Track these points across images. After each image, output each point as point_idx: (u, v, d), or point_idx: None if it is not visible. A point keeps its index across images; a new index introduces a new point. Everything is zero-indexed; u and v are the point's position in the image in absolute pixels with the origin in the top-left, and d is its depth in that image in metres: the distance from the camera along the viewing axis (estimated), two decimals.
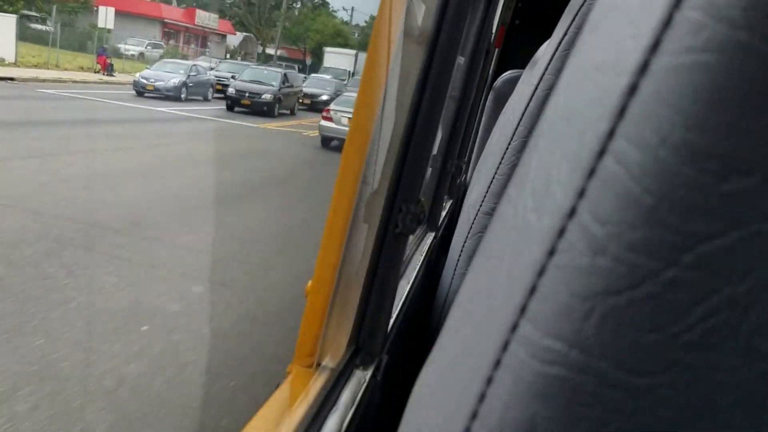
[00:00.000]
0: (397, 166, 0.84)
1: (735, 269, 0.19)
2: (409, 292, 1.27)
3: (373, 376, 0.86)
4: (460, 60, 1.85)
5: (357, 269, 0.85)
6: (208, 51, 41.31)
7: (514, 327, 0.23)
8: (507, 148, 0.98)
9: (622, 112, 0.20)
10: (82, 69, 23.18)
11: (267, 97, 18.23)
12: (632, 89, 0.20)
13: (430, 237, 1.90)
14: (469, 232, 1.10)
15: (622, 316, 0.20)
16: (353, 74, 36.16)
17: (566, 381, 0.21)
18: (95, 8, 26.51)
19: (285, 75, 19.81)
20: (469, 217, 1.11)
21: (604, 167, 0.21)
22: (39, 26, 28.72)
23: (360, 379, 0.85)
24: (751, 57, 0.17)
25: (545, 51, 0.98)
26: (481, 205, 1.06)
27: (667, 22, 0.19)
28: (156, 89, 18.44)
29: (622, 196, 0.20)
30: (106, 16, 24.33)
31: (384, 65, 0.84)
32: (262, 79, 19.12)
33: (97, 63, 23.87)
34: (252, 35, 46.15)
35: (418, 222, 0.86)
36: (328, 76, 26.82)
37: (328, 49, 41.36)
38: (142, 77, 18.85)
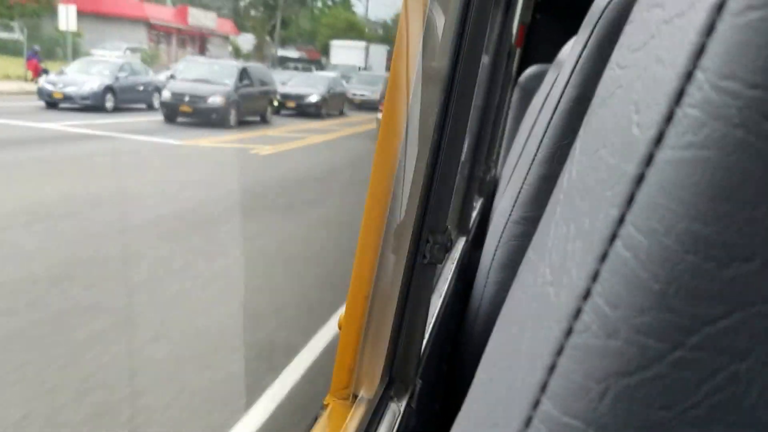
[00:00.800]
0: (422, 197, 0.84)
1: (738, 348, 0.20)
2: (442, 304, 1.27)
3: (408, 404, 0.87)
4: (484, 59, 1.84)
5: (387, 300, 0.86)
6: (209, 54, 36.21)
7: (536, 404, 0.25)
8: (534, 159, 0.99)
9: (630, 200, 0.21)
10: (8, 77, 19.07)
11: (215, 100, 13.47)
12: (639, 179, 0.21)
13: (461, 242, 1.91)
14: (500, 241, 1.10)
15: (635, 395, 0.22)
16: (363, 69, 32.19)
17: None
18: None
19: (244, 70, 15.16)
20: (500, 225, 1.12)
21: (614, 252, 0.22)
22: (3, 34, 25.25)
23: (395, 411, 0.86)
24: (747, 153, 0.19)
25: (568, 56, 0.98)
26: (510, 214, 1.07)
27: (669, 117, 0.20)
28: (67, 97, 13.57)
29: (631, 282, 0.21)
30: (66, 17, 20.01)
31: (404, 93, 0.84)
32: (209, 77, 14.45)
33: (28, 69, 19.54)
34: (268, 38, 42.97)
35: (446, 251, 0.87)
36: (329, 73, 23.94)
37: (334, 42, 36.68)
38: (47, 83, 13.97)
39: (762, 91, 0.18)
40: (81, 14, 25.91)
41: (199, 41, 37.79)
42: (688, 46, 0.20)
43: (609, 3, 0.81)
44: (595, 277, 0.23)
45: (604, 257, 0.22)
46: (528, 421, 0.25)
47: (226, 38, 40.33)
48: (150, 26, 33.21)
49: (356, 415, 0.83)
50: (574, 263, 0.24)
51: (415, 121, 0.85)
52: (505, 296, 1.16)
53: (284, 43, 45.80)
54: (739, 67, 0.19)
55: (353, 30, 44.40)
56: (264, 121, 15.88)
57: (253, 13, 44.07)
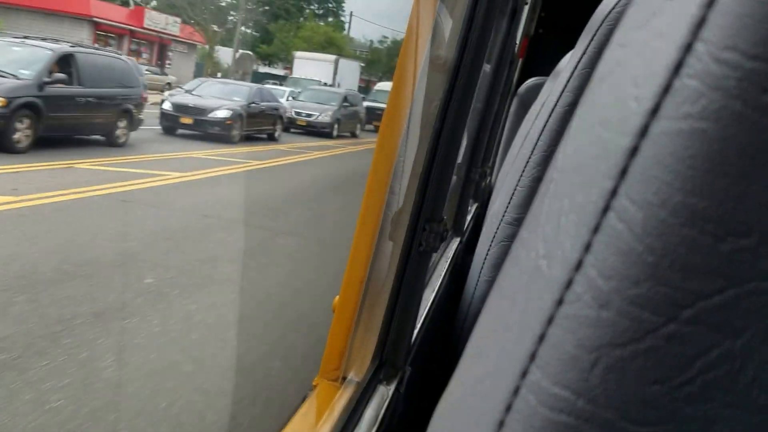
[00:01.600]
0: (420, 187, 0.87)
1: (733, 325, 0.20)
2: (434, 300, 1.28)
3: (397, 389, 0.89)
4: (486, 68, 1.89)
5: (382, 286, 0.87)
6: (170, 65, 31.81)
7: (524, 373, 0.24)
8: (528, 161, 1.01)
9: (624, 172, 0.21)
10: None
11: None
12: (633, 151, 0.21)
13: (455, 242, 1.92)
14: (492, 241, 1.12)
15: (626, 367, 0.21)
16: (329, 85, 28.03)
17: (573, 429, 0.22)
18: None
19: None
20: (493, 226, 1.13)
21: (608, 224, 0.22)
22: None
23: (383, 394, 0.87)
24: (745, 126, 0.19)
25: (567, 64, 1.00)
26: (503, 215, 1.09)
27: (666, 88, 0.20)
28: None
29: (625, 253, 0.21)
30: None
31: (410, 86, 0.87)
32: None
33: None
34: (250, 52, 38.83)
35: (441, 239, 0.89)
36: (285, 88, 21.65)
37: (298, 54, 32.14)
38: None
39: (761, 63, 0.18)
40: (25, 10, 23.46)
41: (159, 48, 32.87)
42: (689, 18, 0.20)
43: (610, 12, 0.83)
44: (587, 248, 0.22)
45: (597, 229, 0.22)
46: (516, 390, 0.25)
47: (192, 46, 35.49)
48: (95, 25, 28.46)
49: (344, 395, 0.84)
50: (568, 236, 0.24)
51: (417, 114, 0.88)
52: None
53: (269, 59, 43.08)
54: (740, 38, 0.18)
55: (332, 46, 40.21)
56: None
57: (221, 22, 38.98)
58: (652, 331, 0.21)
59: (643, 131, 0.21)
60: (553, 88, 1.04)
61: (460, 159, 1.19)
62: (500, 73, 2.21)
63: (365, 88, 36.57)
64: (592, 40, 0.86)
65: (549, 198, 0.28)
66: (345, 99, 19.75)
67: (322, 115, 18.11)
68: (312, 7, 49.25)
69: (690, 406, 0.21)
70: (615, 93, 0.24)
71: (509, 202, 1.05)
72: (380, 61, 45.03)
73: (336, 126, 18.57)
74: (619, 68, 0.24)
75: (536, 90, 2.28)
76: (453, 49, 0.87)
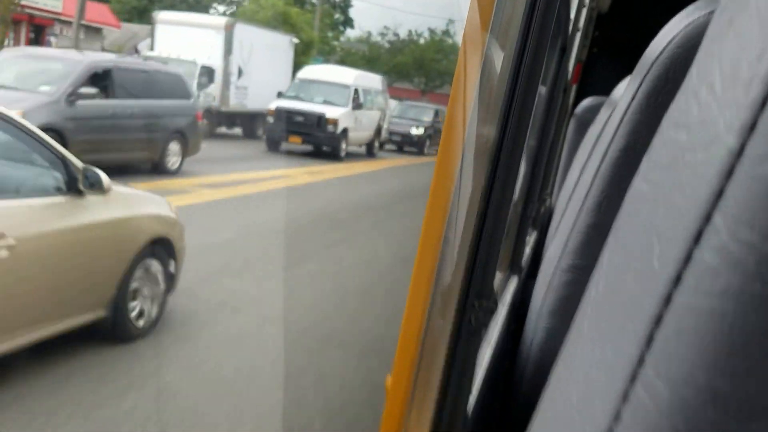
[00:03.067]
0: (468, 263, 0.86)
1: None
2: (492, 355, 1.25)
3: None
4: (540, 97, 1.89)
5: (434, 364, 0.87)
6: (51, 46, 20.23)
7: None
8: (582, 206, 1.01)
9: (648, 341, 0.21)
10: None
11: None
12: (657, 320, 0.21)
13: (514, 281, 1.88)
14: (548, 287, 1.11)
15: None
16: (231, 74, 17.31)
17: None
18: None
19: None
20: (549, 272, 1.12)
21: (635, 394, 0.21)
22: None
23: None
24: (764, 307, 0.18)
25: (621, 98, 0.99)
26: (559, 262, 1.08)
27: (687, 258, 0.20)
28: None
29: (652, 429, 0.20)
30: None
31: (461, 133, 0.85)
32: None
33: None
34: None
35: (492, 314, 0.89)
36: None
37: (161, 15, 18.34)
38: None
39: None
40: None
41: (27, 28, 21.32)
42: (708, 187, 0.20)
43: (661, 53, 0.82)
44: (616, 417, 0.22)
45: (625, 397, 0.22)
46: None
47: (98, 31, 23.63)
48: None
49: None
50: (598, 397, 0.24)
51: (468, 173, 0.87)
52: (554, 345, 1.16)
53: None
54: (757, 217, 0.18)
55: (287, 23, 28.32)
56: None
57: None
58: None
59: (667, 300, 0.20)
60: (607, 124, 1.03)
61: (516, 196, 1.18)
62: (554, 104, 2.20)
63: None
64: (641, 84, 0.86)
65: (583, 339, 0.28)
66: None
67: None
68: None
69: None
70: (640, 241, 0.24)
71: (564, 249, 1.04)
72: (379, 60, 39.03)
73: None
74: (645, 209, 0.25)
75: (592, 110, 2.27)
76: (504, 84, 0.87)
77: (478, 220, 0.88)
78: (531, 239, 2.49)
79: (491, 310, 0.90)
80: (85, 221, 3.56)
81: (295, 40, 22.59)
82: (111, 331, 3.87)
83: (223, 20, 18.73)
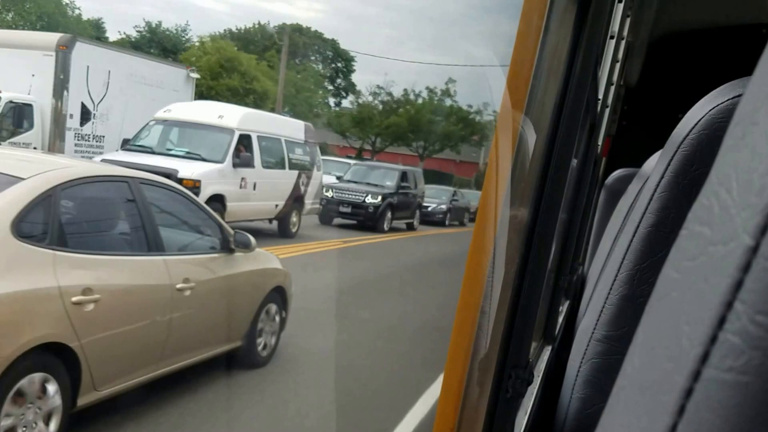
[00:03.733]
0: (505, 334, 0.88)
1: None
2: (527, 421, 1.22)
3: None
4: (570, 174, 1.91)
5: None
6: None
7: None
8: (615, 279, 1.01)
9: (681, 411, 0.22)
10: None
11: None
12: (688, 393, 0.22)
13: (547, 351, 1.87)
14: (583, 358, 1.09)
15: None
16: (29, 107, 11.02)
17: None
18: None
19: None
20: (583, 342, 1.11)
21: None
22: None
23: None
24: None
25: (651, 174, 1.01)
26: (593, 332, 1.07)
27: (713, 339, 0.21)
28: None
29: None
30: None
31: (492, 228, 0.89)
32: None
33: None
34: None
35: (528, 384, 0.91)
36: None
37: None
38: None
39: None
40: None
41: None
42: (729, 278, 0.21)
43: (688, 134, 0.84)
44: None
45: None
46: None
47: None
48: None
49: None
50: None
51: (502, 244, 0.90)
52: (589, 413, 1.16)
53: None
54: None
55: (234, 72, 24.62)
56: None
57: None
58: None
59: (696, 375, 0.22)
60: (638, 199, 1.03)
61: (549, 266, 1.21)
62: (585, 176, 2.19)
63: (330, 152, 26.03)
64: (669, 163, 0.87)
65: (618, 415, 0.29)
66: None
67: None
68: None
69: None
70: (670, 322, 0.25)
71: (598, 320, 1.04)
72: (371, 120, 33.81)
73: None
74: (674, 294, 0.26)
75: (624, 181, 2.22)
76: (538, 161, 0.90)
77: (513, 292, 0.90)
78: (563, 309, 2.45)
79: (528, 381, 0.92)
80: (235, 272, 4.40)
81: (195, 75, 15.65)
82: (244, 358, 4.65)
83: (54, 37, 12.09)
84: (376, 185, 15.86)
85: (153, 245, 3.79)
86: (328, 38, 39.72)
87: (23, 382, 2.90)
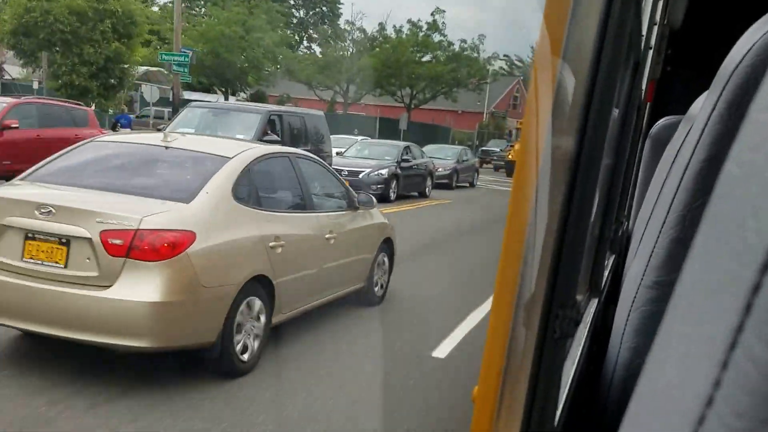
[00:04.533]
0: (551, 271, 0.83)
1: None
2: (575, 372, 1.11)
3: None
4: (613, 118, 1.83)
5: (519, 375, 0.85)
6: None
7: None
8: (664, 222, 0.92)
9: (748, 308, 0.21)
10: None
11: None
12: (756, 287, 0.21)
13: (593, 303, 1.74)
14: (632, 306, 1.01)
15: None
16: None
17: None
18: None
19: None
20: (632, 290, 1.01)
21: (735, 361, 0.21)
22: None
23: None
24: None
25: (700, 111, 0.91)
26: (642, 278, 0.98)
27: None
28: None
29: (755, 393, 0.20)
30: None
31: (534, 167, 0.83)
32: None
33: None
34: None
35: (576, 324, 0.85)
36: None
37: None
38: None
39: None
40: None
41: None
42: None
43: (740, 63, 0.74)
44: (717, 384, 0.21)
45: (725, 365, 0.21)
46: None
47: None
48: None
49: None
50: (697, 367, 0.23)
51: (545, 193, 0.85)
52: (639, 363, 1.11)
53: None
54: None
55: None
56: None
57: None
58: None
59: (765, 267, 0.20)
60: (687, 138, 0.92)
61: (592, 217, 1.14)
62: (628, 125, 1.98)
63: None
64: (721, 94, 0.78)
65: (678, 320, 0.27)
66: None
67: None
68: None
69: None
70: (736, 219, 0.23)
71: (647, 265, 0.94)
72: (339, 64, 25.82)
73: None
74: (738, 191, 0.24)
75: (669, 129, 1.97)
76: (578, 107, 0.84)
77: (558, 232, 0.84)
78: (609, 262, 2.21)
79: (576, 321, 0.85)
80: (360, 225, 5.27)
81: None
82: (366, 297, 5.50)
83: None
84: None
85: (309, 205, 4.63)
86: None
87: (249, 299, 3.83)
